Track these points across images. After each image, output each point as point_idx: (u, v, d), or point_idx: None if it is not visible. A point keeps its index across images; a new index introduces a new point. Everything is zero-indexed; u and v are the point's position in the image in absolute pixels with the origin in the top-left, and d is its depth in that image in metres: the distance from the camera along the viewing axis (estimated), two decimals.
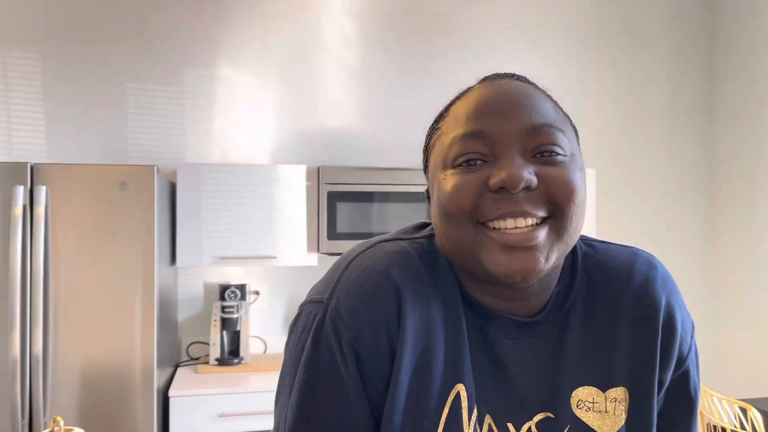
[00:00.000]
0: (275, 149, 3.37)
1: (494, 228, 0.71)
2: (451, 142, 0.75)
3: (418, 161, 3.42)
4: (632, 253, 0.85)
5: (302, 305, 0.81)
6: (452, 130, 0.76)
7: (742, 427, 2.46)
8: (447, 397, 0.75)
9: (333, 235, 3.03)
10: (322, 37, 3.42)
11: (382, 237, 0.83)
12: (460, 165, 0.73)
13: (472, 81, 3.43)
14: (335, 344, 0.75)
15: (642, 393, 0.80)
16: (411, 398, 0.75)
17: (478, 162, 0.72)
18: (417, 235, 0.83)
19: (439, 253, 0.80)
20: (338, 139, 3.41)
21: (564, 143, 0.73)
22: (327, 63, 3.42)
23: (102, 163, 2.68)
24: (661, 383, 0.82)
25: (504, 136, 0.72)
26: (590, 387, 0.79)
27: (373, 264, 0.77)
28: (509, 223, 0.70)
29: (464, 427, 0.75)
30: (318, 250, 3.09)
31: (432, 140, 0.81)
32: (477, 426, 0.76)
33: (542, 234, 0.71)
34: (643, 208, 3.74)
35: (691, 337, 0.85)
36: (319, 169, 3.07)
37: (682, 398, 0.85)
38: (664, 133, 3.76)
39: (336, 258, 3.27)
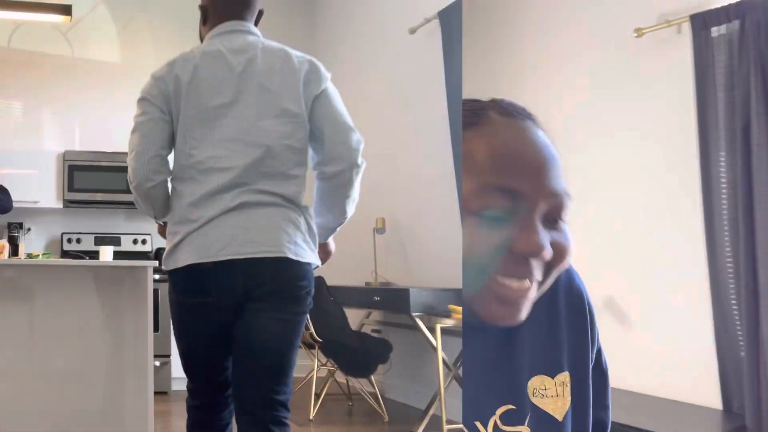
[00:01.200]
0: None
1: (497, 280, 0.78)
2: (478, 189, 0.78)
3: None
4: None
5: None
6: (473, 170, 0.79)
7: None
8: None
9: None
10: None
11: None
12: (478, 211, 0.78)
13: None
14: None
15: (580, 373, 0.92)
16: None
17: (499, 215, 0.77)
18: None
19: None
20: None
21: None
22: None
23: None
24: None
25: (531, 197, 0.77)
26: (542, 375, 0.89)
27: None
28: (514, 283, 0.78)
29: None
30: None
31: None
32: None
33: (533, 293, 0.80)
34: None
35: None
36: None
37: (599, 371, 0.99)
38: None
39: None
